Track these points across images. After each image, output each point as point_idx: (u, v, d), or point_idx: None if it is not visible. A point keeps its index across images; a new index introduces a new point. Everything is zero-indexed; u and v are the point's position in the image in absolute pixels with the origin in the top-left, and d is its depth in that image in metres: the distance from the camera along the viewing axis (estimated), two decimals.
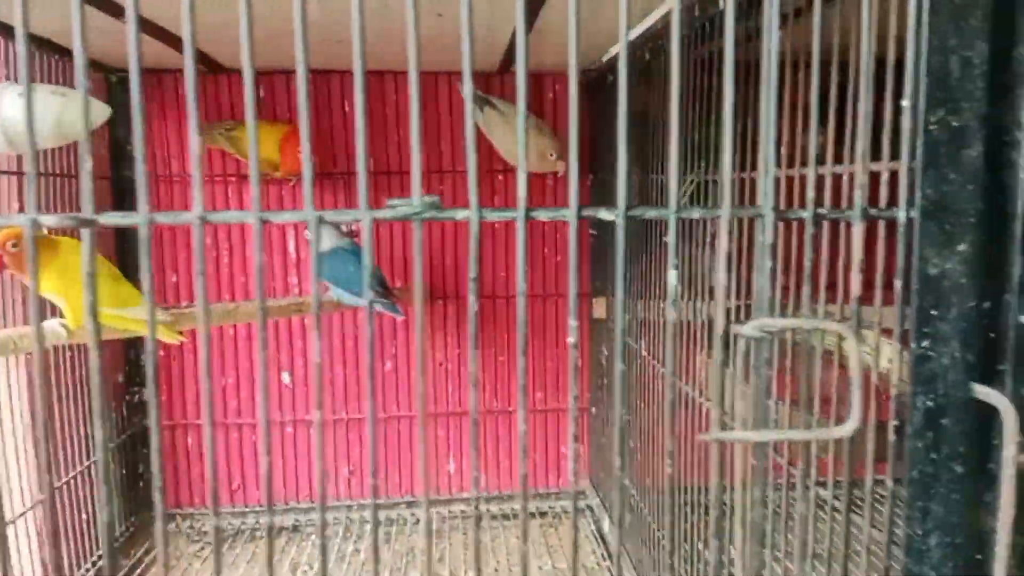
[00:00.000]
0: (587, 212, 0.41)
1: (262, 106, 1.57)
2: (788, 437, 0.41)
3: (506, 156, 1.54)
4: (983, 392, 0.45)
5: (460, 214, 0.40)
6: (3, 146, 0.85)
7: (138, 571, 1.44)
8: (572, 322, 0.41)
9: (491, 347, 1.69)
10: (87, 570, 1.39)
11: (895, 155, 0.52)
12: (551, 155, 1.47)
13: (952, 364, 0.45)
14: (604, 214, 0.41)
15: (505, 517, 1.67)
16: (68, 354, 1.34)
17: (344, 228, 1.45)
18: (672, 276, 0.41)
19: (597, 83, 1.53)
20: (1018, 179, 0.44)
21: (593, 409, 1.67)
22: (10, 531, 1.14)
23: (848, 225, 0.51)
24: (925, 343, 0.44)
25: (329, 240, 1.41)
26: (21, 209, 1.23)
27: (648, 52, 1.17)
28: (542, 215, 0.41)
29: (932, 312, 0.44)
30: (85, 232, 0.37)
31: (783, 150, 0.70)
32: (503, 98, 1.54)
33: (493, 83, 1.58)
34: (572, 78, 0.39)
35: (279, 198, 1.60)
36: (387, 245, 1.62)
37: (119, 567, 1.43)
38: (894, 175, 0.51)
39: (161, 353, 1.60)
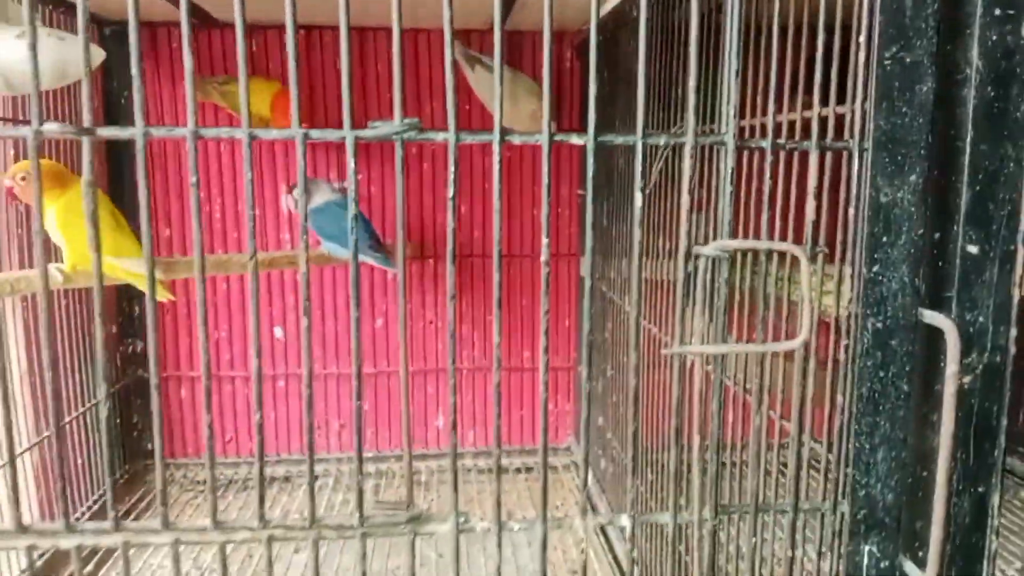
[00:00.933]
0: (559, 137, 0.44)
1: (254, 62, 1.58)
2: (743, 350, 0.43)
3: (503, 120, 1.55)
4: (930, 316, 0.48)
5: (439, 136, 0.43)
6: (2, 87, 0.87)
7: (131, 516, 1.47)
8: (544, 239, 0.44)
9: (480, 306, 1.72)
10: (82, 513, 1.43)
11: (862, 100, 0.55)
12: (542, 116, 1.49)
13: (901, 288, 0.48)
14: (575, 139, 0.44)
15: (490, 470, 1.71)
16: (64, 301, 1.36)
17: (336, 184, 1.46)
18: (638, 198, 0.43)
19: (588, 43, 1.55)
20: (967, 114, 0.46)
21: (580, 366, 1.71)
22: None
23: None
24: (875, 268, 0.47)
25: (321, 195, 1.43)
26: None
27: (635, 10, 1.19)
28: (516, 139, 0.44)
29: (883, 239, 0.47)
30: (85, 141, 0.39)
31: (759, 99, 0.72)
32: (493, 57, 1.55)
33: (485, 40, 1.59)
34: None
35: (271, 153, 1.62)
36: (379, 203, 1.64)
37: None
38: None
39: None
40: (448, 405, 1.67)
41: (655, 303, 1.10)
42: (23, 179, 0.97)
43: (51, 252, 1.16)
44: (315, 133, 0.41)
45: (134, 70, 0.38)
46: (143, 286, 1.21)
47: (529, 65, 1.62)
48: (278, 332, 1.66)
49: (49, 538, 0.45)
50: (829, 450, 0.57)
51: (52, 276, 1.06)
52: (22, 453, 1.26)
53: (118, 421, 1.57)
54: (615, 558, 1.29)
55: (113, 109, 1.54)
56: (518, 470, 1.74)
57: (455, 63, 1.36)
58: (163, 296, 1.23)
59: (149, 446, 1.66)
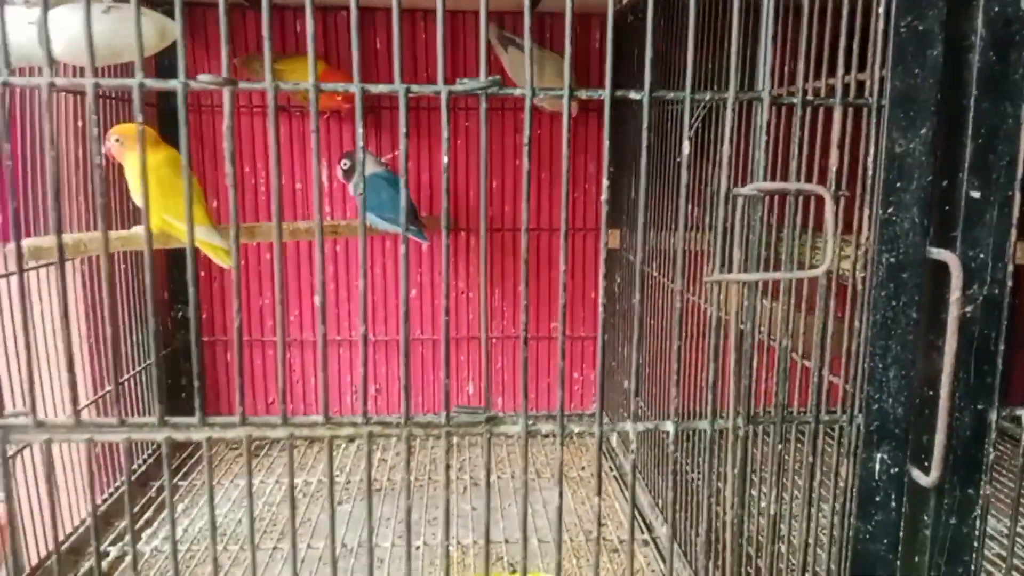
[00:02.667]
0: (620, 93, 0.51)
1: (298, 41, 1.66)
2: (773, 277, 0.51)
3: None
4: (936, 252, 0.55)
5: (517, 91, 0.50)
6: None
7: (179, 476, 1.57)
8: (605, 179, 0.51)
9: (509, 278, 1.79)
10: (134, 469, 1.52)
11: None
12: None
13: (912, 228, 0.55)
14: (633, 94, 0.51)
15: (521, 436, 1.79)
16: (123, 266, 1.45)
17: (382, 158, 1.54)
18: (686, 146, 0.51)
19: (618, 24, 1.61)
20: (972, 76, 0.53)
21: (606, 336, 1.78)
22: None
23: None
24: (890, 210, 0.55)
25: (366, 167, 1.51)
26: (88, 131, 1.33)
27: None
28: (583, 94, 0.51)
29: (897, 184, 0.54)
30: (226, 91, 0.47)
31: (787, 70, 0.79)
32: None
33: (518, 22, 1.66)
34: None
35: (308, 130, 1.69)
36: (414, 176, 1.71)
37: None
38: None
39: (201, 273, 1.71)
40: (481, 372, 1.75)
41: (685, 270, 1.17)
42: (117, 141, 1.06)
43: (111, 215, 1.25)
44: (415, 88, 0.49)
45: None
46: (209, 252, 1.29)
47: (559, 46, 1.69)
48: (317, 300, 1.74)
49: (183, 431, 0.53)
50: (846, 380, 0.65)
51: (141, 237, 1.14)
52: (86, 406, 1.35)
53: (168, 383, 1.67)
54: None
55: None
56: (546, 436, 1.82)
57: (488, 43, 1.43)
58: (225, 262, 1.31)
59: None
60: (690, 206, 1.12)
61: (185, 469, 1.58)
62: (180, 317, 1.71)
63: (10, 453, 0.52)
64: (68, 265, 1.29)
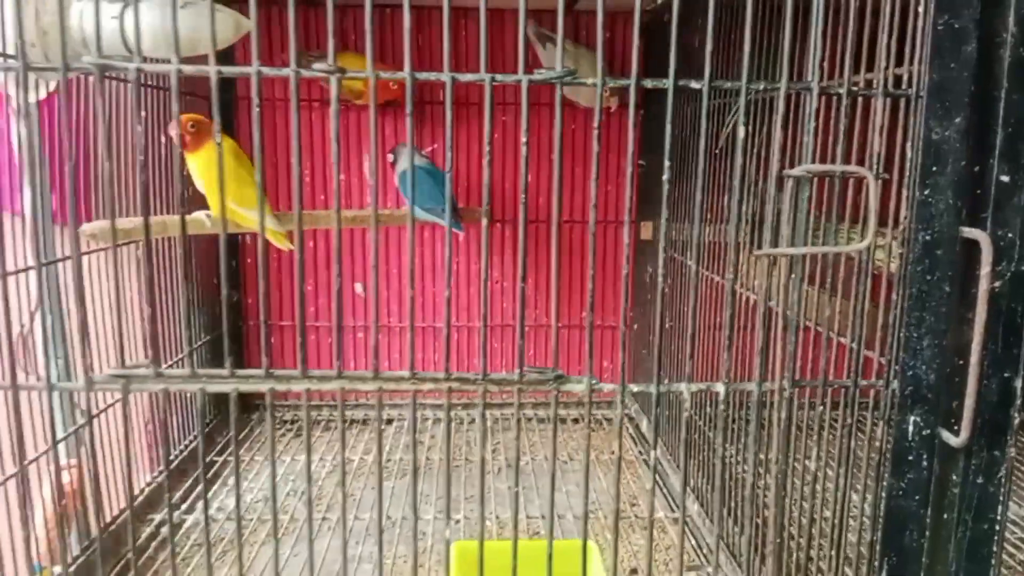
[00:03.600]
0: (683, 82, 0.56)
1: (345, 37, 1.72)
2: (819, 251, 0.56)
3: (567, 92, 1.68)
4: (968, 231, 0.60)
5: (589, 80, 0.56)
6: (164, 51, 1.02)
7: (227, 453, 1.64)
8: (665, 159, 0.57)
9: (543, 269, 1.85)
10: (188, 444, 1.59)
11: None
12: (605, 91, 1.62)
13: (946, 208, 0.60)
14: (694, 84, 0.56)
15: (549, 421, 1.85)
16: (178, 251, 1.52)
17: (424, 151, 1.61)
18: (741, 130, 0.56)
19: (652, 24, 1.67)
20: (1003, 70, 0.58)
21: (636, 325, 1.84)
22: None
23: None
24: (926, 191, 0.60)
25: (407, 160, 1.57)
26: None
27: None
28: (648, 83, 0.57)
29: (933, 168, 0.60)
30: (333, 79, 0.53)
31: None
32: (565, 36, 1.68)
33: (555, 20, 1.71)
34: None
35: (357, 124, 1.76)
36: (453, 167, 1.77)
37: (213, 445, 1.63)
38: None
39: (248, 260, 1.78)
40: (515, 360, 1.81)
41: (724, 261, 1.22)
42: (193, 127, 1.13)
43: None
44: (499, 77, 0.55)
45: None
46: (269, 236, 1.36)
47: (593, 42, 1.74)
48: (358, 288, 1.81)
49: (285, 383, 0.59)
50: (881, 353, 0.70)
51: (201, 222, 1.21)
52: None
53: (217, 365, 1.74)
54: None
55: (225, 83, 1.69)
56: (575, 420, 1.88)
57: (527, 40, 1.49)
58: (283, 244, 1.38)
59: None
60: (724, 196, 1.17)
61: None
62: (231, 302, 1.78)
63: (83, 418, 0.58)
64: (131, 247, 1.36)
